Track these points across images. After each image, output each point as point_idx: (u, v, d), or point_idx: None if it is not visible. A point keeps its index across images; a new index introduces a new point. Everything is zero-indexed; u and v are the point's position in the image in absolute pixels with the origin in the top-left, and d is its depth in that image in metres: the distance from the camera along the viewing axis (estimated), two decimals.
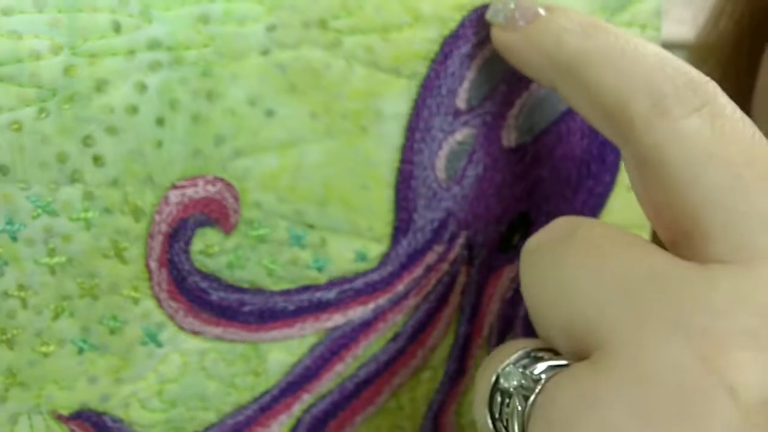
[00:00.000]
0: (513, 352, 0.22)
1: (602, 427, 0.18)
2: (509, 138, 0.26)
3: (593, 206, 0.27)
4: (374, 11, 0.24)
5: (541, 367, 0.21)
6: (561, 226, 0.22)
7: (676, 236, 0.21)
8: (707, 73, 0.22)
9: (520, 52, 0.24)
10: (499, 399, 0.21)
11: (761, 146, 0.20)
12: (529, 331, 0.28)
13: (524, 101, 0.26)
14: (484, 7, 0.25)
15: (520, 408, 0.20)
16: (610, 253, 0.20)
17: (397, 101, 0.25)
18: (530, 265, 0.22)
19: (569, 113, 0.26)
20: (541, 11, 0.24)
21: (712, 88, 0.21)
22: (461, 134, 0.25)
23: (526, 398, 0.20)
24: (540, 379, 0.20)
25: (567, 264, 0.21)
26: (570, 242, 0.21)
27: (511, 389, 0.21)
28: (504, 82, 0.25)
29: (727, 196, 0.20)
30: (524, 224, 0.27)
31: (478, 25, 0.25)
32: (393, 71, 0.24)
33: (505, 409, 0.21)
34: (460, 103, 0.25)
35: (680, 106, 0.21)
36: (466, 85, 0.25)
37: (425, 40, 0.25)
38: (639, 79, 0.21)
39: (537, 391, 0.20)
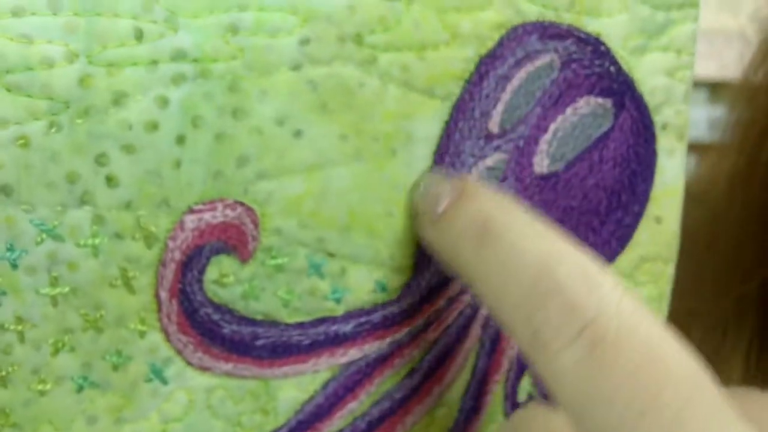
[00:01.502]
0: None
1: None
2: (541, 164, 0.24)
3: (621, 237, 0.26)
4: (412, 27, 0.22)
5: None
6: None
7: None
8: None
9: (433, 245, 0.22)
10: None
11: (654, 366, 0.17)
12: None
13: (558, 126, 0.24)
14: (524, 26, 0.23)
15: None
16: None
17: (428, 123, 0.23)
18: None
19: (602, 140, 0.25)
20: (441, 206, 0.22)
21: (596, 300, 0.18)
22: (492, 159, 0.24)
23: None
24: None
25: None
26: None
27: None
28: (539, 105, 0.24)
29: None
30: None
31: (516, 45, 0.23)
32: (427, 92, 0.23)
33: None
34: (493, 126, 0.24)
35: (557, 337, 0.18)
36: (500, 107, 0.24)
37: (461, 59, 0.23)
38: (516, 304, 0.19)
39: None
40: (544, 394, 0.27)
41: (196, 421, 0.23)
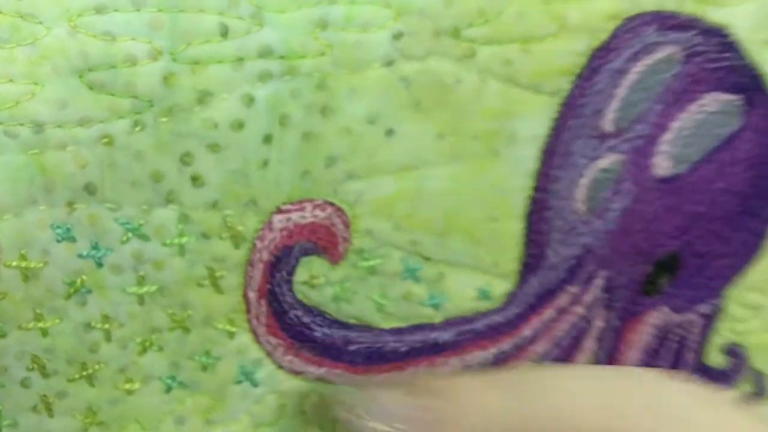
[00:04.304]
0: None
1: None
2: (662, 166, 0.22)
3: (751, 247, 0.24)
4: (515, 19, 0.21)
5: None
6: None
7: None
8: None
9: None
10: None
11: None
12: None
13: (682, 125, 0.22)
14: (641, 17, 0.21)
15: None
16: None
17: (534, 121, 0.22)
18: None
19: (732, 140, 0.23)
20: None
21: None
22: (607, 160, 0.22)
23: None
24: None
25: None
26: None
27: None
28: (659, 102, 0.22)
29: None
30: (673, 265, 0.23)
31: (632, 37, 0.21)
32: (532, 87, 0.21)
33: None
34: (607, 125, 0.22)
35: None
36: (614, 104, 0.22)
37: (571, 52, 0.21)
38: None
39: None
40: None
41: (288, 426, 0.23)
